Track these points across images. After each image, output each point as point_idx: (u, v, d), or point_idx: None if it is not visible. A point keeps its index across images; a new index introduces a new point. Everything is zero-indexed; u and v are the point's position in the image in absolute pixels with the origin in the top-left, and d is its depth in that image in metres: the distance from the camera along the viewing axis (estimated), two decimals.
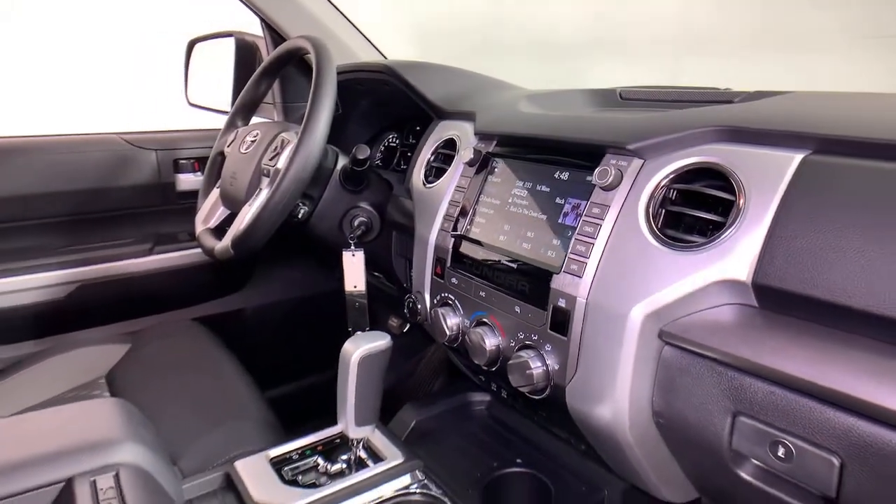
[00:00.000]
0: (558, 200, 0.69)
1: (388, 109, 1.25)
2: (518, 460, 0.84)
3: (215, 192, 1.11)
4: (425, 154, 0.95)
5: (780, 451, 0.51)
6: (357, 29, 1.44)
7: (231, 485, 0.74)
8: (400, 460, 0.77)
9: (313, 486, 0.73)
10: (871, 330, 0.47)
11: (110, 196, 1.35)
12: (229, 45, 1.46)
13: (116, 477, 0.53)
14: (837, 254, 0.48)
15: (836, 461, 0.47)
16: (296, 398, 1.49)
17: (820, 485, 0.49)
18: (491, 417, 0.95)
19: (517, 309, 0.70)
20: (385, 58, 1.51)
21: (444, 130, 0.95)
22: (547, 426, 0.84)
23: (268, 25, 1.37)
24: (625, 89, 0.90)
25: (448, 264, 0.81)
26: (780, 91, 0.75)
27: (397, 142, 1.28)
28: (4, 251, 1.26)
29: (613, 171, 0.62)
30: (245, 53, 1.44)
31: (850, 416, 0.46)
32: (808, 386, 0.47)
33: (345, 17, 1.41)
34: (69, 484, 0.52)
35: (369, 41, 1.47)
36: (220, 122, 1.26)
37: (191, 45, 1.51)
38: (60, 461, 0.54)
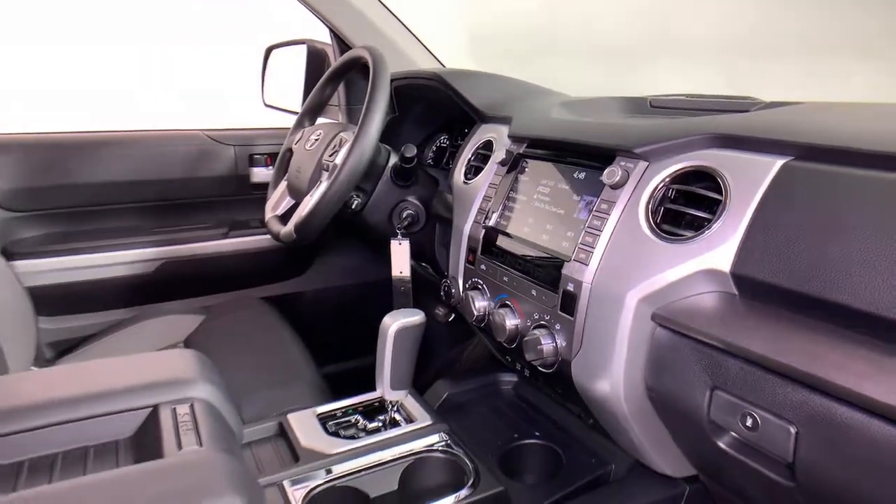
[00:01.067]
0: (575, 197, 0.78)
1: (439, 113, 1.36)
2: (536, 433, 0.92)
3: (283, 184, 1.25)
4: (466, 154, 1.05)
5: (749, 422, 0.57)
6: (416, 38, 1.56)
7: (283, 432, 0.87)
8: (428, 422, 0.87)
9: (352, 438, 0.85)
10: (828, 315, 0.53)
11: (193, 185, 1.52)
12: (301, 51, 1.61)
13: (192, 408, 0.66)
14: (801, 248, 0.54)
15: (792, 430, 0.54)
16: (343, 375, 1.62)
17: (780, 451, 0.55)
18: (516, 396, 1.04)
19: (534, 292, 0.79)
20: (442, 64, 1.62)
21: (483, 133, 1.05)
22: (562, 402, 0.92)
23: (335, 35, 1.50)
24: (654, 98, 0.97)
25: (479, 252, 0.91)
26: (794, 102, 0.81)
27: (447, 142, 1.38)
28: (103, 230, 1.45)
29: (620, 172, 0.70)
30: (315, 59, 1.59)
31: (805, 390, 0.52)
32: (771, 363, 0.54)
33: (405, 27, 1.53)
34: (155, 409, 0.65)
35: (427, 49, 1.58)
36: (289, 121, 1.40)
37: (268, 52, 1.67)
38: (149, 391, 0.67)
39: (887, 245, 0.49)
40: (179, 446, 0.59)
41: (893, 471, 0.48)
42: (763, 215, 0.58)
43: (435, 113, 1.37)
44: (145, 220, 1.50)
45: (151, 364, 0.75)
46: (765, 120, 0.67)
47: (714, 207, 0.62)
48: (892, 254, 0.49)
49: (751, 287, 0.59)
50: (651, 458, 0.78)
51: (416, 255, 1.23)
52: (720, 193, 0.62)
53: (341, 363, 1.63)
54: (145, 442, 0.63)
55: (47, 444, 0.62)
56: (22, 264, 1.31)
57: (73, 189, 1.42)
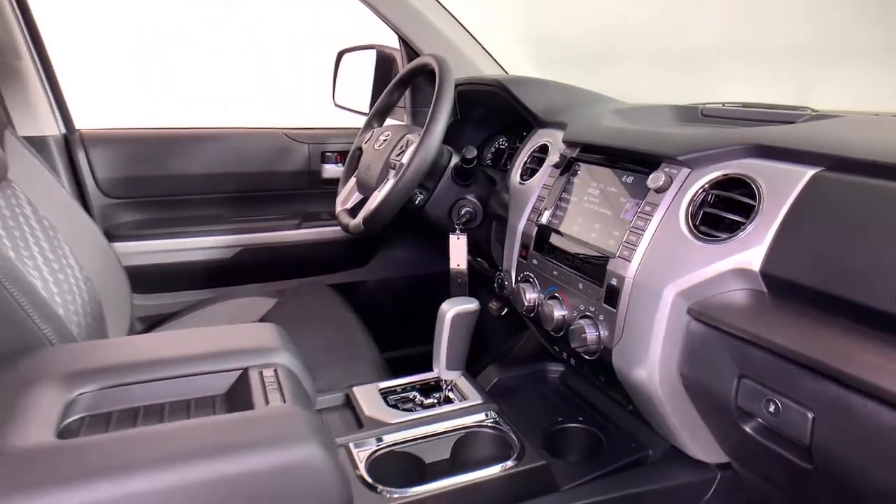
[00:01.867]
0: (622, 199, 0.84)
1: (499, 116, 1.43)
2: (580, 418, 0.99)
3: (353, 180, 1.35)
4: (523, 156, 1.13)
5: (771, 408, 0.63)
6: (480, 45, 1.64)
7: (349, 403, 0.97)
8: (479, 401, 0.95)
9: (409, 411, 0.94)
10: (849, 314, 0.58)
11: (270, 179, 1.66)
12: (371, 56, 1.72)
13: (276, 372, 0.76)
14: (827, 252, 0.59)
15: (810, 415, 0.59)
16: (400, 361, 1.72)
17: (798, 435, 0.61)
18: (563, 384, 1.11)
19: (580, 286, 0.86)
20: (504, 70, 1.69)
21: (540, 137, 1.12)
22: (604, 390, 0.99)
23: (404, 41, 1.60)
24: (706, 107, 1.02)
25: (531, 248, 0.98)
26: (842, 113, 0.85)
27: (506, 144, 1.45)
28: (190, 217, 1.60)
29: (664, 177, 0.76)
30: (384, 64, 1.69)
31: (822, 379, 0.58)
32: (792, 354, 0.60)
33: (470, 34, 1.61)
34: (245, 372, 0.76)
35: (490, 55, 1.66)
36: (356, 121, 1.51)
37: (339, 55, 1.78)
38: (240, 356, 0.78)
39: None
40: (267, 402, 0.70)
41: None
42: (792, 220, 0.63)
43: (495, 116, 1.45)
44: (227, 209, 1.65)
45: (240, 334, 0.87)
46: (802, 132, 0.72)
47: (749, 212, 0.68)
48: None
49: (778, 285, 0.64)
50: (685, 444, 0.84)
51: (472, 250, 1.32)
52: (754, 199, 0.67)
53: (399, 350, 1.73)
54: (237, 398, 0.74)
55: (157, 395, 0.74)
56: (120, 245, 1.46)
57: (165, 179, 1.57)
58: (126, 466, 0.56)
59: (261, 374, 0.76)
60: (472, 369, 1.06)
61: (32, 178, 1.17)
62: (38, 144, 1.35)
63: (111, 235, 1.45)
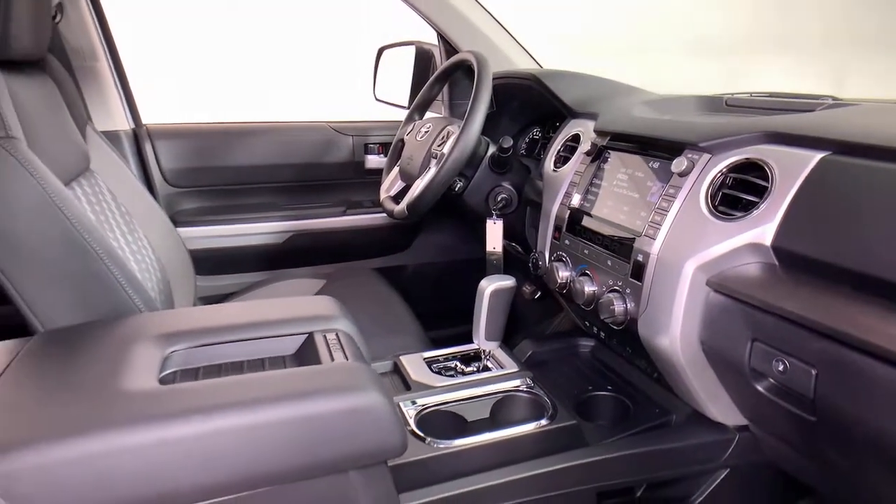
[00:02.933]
0: (648, 183, 0.92)
1: (533, 108, 1.51)
2: (609, 387, 1.07)
3: (396, 170, 1.45)
4: (556, 145, 1.21)
5: (780, 367, 0.71)
6: (515, 40, 1.71)
7: (397, 369, 1.07)
8: (516, 369, 1.05)
9: (451, 377, 1.04)
10: (851, 281, 0.65)
11: (317, 169, 1.77)
12: (410, 51, 1.81)
13: (337, 335, 0.87)
14: (831, 227, 0.66)
15: (813, 372, 0.67)
16: (442, 340, 1.82)
17: (803, 390, 0.68)
18: (593, 357, 1.19)
19: (609, 263, 0.94)
20: (539, 64, 1.76)
21: (573, 127, 1.20)
22: (631, 361, 1.07)
23: (442, 37, 1.69)
24: (730, 97, 1.08)
25: (563, 230, 1.07)
26: (860, 102, 0.91)
27: (540, 134, 1.53)
28: (245, 205, 1.73)
29: (687, 162, 0.84)
30: (422, 59, 1.78)
31: (824, 339, 0.65)
32: (798, 318, 0.67)
33: (506, 30, 1.69)
34: (311, 335, 0.87)
35: (526, 51, 1.73)
36: (398, 114, 1.61)
37: (380, 51, 1.88)
38: (306, 322, 0.89)
39: None
40: (332, 359, 0.80)
41: (892, 403, 0.60)
42: (801, 199, 0.70)
43: (530, 108, 1.53)
44: (278, 197, 1.77)
45: (304, 304, 0.98)
46: (815, 119, 0.79)
47: (762, 193, 0.75)
48: None
49: (787, 258, 0.71)
50: (706, 407, 0.91)
51: (507, 234, 1.41)
52: (768, 181, 0.75)
53: (438, 330, 1.83)
54: (305, 356, 0.84)
55: (236, 354, 0.85)
56: (183, 230, 1.59)
57: (222, 170, 1.70)
58: (218, 406, 0.67)
59: (325, 337, 0.86)
60: (507, 344, 1.16)
61: (110, 168, 1.30)
62: (111, 138, 1.48)
63: (176, 221, 1.58)
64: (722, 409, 0.90)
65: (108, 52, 1.54)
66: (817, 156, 0.71)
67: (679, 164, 0.84)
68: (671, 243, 0.83)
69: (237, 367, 0.83)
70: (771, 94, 1.09)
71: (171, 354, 0.81)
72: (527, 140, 1.58)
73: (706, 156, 0.84)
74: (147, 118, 1.66)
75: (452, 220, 1.86)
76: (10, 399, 0.68)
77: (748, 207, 0.76)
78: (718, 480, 0.95)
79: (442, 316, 1.80)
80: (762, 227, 0.73)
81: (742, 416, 0.90)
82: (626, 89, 1.31)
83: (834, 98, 0.98)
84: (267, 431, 0.67)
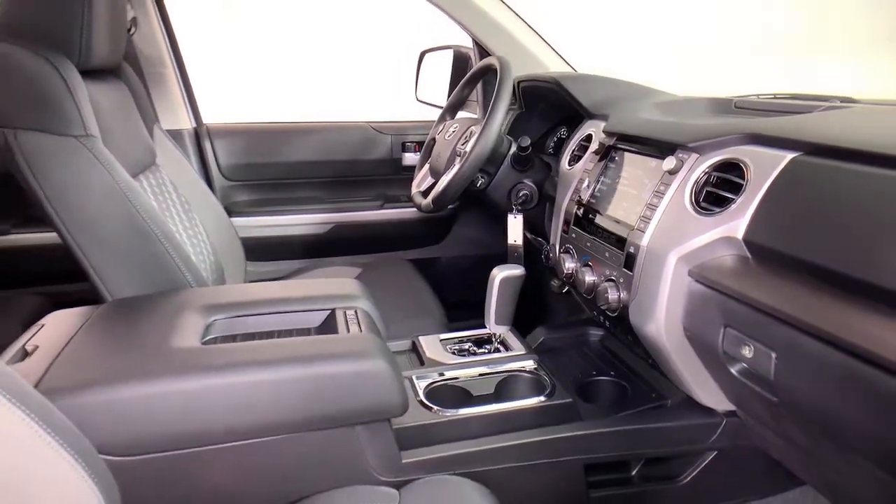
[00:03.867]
0: (645, 181, 0.99)
1: (559, 109, 1.58)
2: (611, 373, 1.15)
3: (426, 166, 1.56)
4: (572, 145, 1.28)
5: (747, 351, 0.77)
6: (549, 45, 1.78)
7: (415, 348, 1.18)
8: (522, 352, 1.13)
9: (463, 356, 1.13)
10: (813, 273, 0.71)
11: (358, 166, 1.91)
12: (449, 55, 1.91)
13: (356, 313, 0.98)
14: (796, 223, 0.72)
15: (773, 355, 0.73)
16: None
17: (765, 372, 0.74)
18: (602, 346, 1.26)
19: (607, 254, 1.01)
20: (572, 67, 1.83)
21: (588, 127, 1.27)
22: (631, 347, 1.13)
23: (476, 42, 1.78)
24: (739, 99, 1.13)
25: (571, 224, 1.14)
26: (850, 104, 0.95)
27: (565, 134, 1.60)
28: (292, 198, 1.88)
29: (676, 161, 0.91)
30: (459, 62, 1.88)
31: (782, 325, 0.71)
32: (762, 305, 0.73)
33: (539, 36, 1.76)
34: (333, 311, 0.98)
35: (558, 54, 1.80)
36: (433, 115, 1.71)
37: (422, 55, 1.99)
38: (330, 300, 1.00)
39: (860, 223, 0.66)
40: (348, 331, 0.91)
41: (841, 385, 0.66)
42: (770, 196, 0.76)
43: (556, 109, 1.60)
44: (322, 192, 1.91)
45: (330, 285, 1.10)
46: (798, 121, 0.84)
47: (739, 190, 0.81)
48: (862, 230, 0.65)
49: (758, 251, 0.77)
50: (695, 392, 0.98)
51: (530, 229, 1.49)
52: (744, 179, 0.81)
53: (468, 320, 1.93)
54: (327, 329, 0.96)
55: (268, 324, 0.97)
56: (237, 220, 1.75)
57: (272, 166, 1.86)
58: (251, 362, 0.79)
59: (345, 313, 0.98)
60: (524, 332, 1.25)
61: (173, 162, 1.46)
62: (175, 136, 1.65)
63: (230, 211, 1.74)
64: (710, 394, 0.96)
65: (175, 60, 1.71)
66: (789, 156, 0.77)
67: (669, 162, 0.91)
68: (658, 236, 0.90)
69: (268, 335, 0.96)
70: (776, 96, 1.14)
71: (213, 322, 0.94)
72: (554, 139, 1.65)
73: (694, 155, 0.90)
74: (207, 118, 1.83)
75: (484, 216, 1.96)
76: (83, 351, 0.82)
77: (726, 203, 0.82)
78: (706, 462, 1.01)
79: (471, 306, 1.90)
80: (735, 222, 0.79)
81: (729, 401, 0.96)
82: (644, 92, 1.36)
83: (841, 100, 1.02)
84: (287, 386, 0.79)
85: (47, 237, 1.63)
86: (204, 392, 0.77)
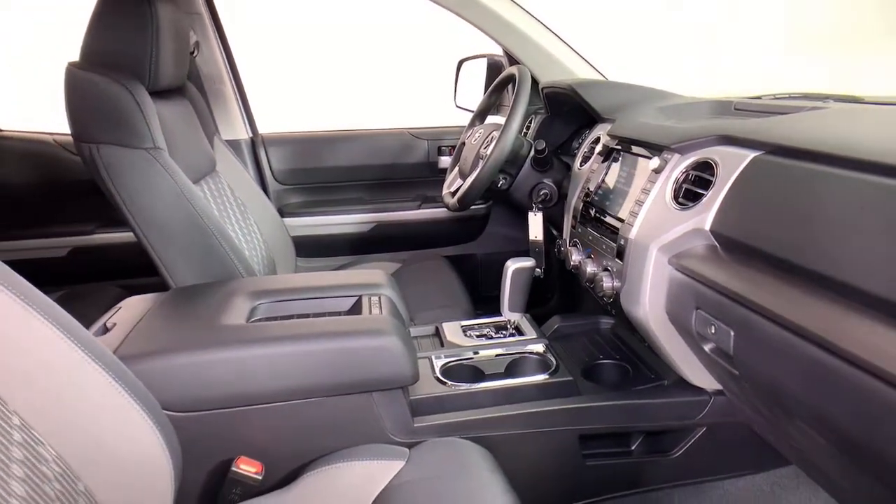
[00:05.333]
0: (637, 180, 1.08)
1: (581, 113, 1.68)
2: (616, 356, 1.24)
3: (456, 169, 1.69)
4: (584, 147, 1.38)
5: (712, 330, 0.86)
6: (577, 53, 1.87)
7: (437, 333, 1.31)
8: (534, 336, 1.25)
9: (480, 340, 1.26)
10: (768, 260, 0.79)
11: (398, 169, 2.06)
12: (483, 63, 2.04)
13: (380, 298, 1.12)
14: (754, 215, 0.81)
15: (731, 332, 0.81)
16: None
17: (726, 347, 0.83)
18: (612, 333, 1.35)
19: (604, 246, 1.11)
20: (601, 74, 1.91)
21: (598, 131, 1.37)
22: (633, 332, 1.22)
23: (506, 52, 1.90)
24: (739, 102, 1.21)
25: (578, 219, 1.25)
26: (835, 104, 1.02)
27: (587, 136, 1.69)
28: (338, 199, 2.05)
29: (660, 161, 1.00)
30: (493, 70, 2.00)
31: (739, 305, 0.80)
32: (724, 289, 0.82)
33: (567, 45, 1.86)
34: (360, 297, 1.13)
35: (587, 61, 1.89)
36: (466, 120, 1.83)
37: (460, 63, 2.12)
38: (358, 288, 1.15)
39: (809, 217, 0.74)
40: (370, 313, 1.06)
41: (786, 359, 0.74)
42: (734, 191, 0.85)
43: (578, 113, 1.70)
44: (365, 193, 2.08)
45: (360, 275, 1.25)
46: (767, 123, 0.92)
47: (709, 186, 0.90)
48: (811, 224, 0.73)
49: (724, 240, 0.86)
50: (685, 372, 1.06)
51: (550, 224, 1.59)
52: (713, 176, 0.90)
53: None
54: (354, 312, 1.11)
55: (304, 309, 1.13)
56: (288, 220, 1.94)
57: (321, 170, 2.04)
58: (286, 337, 0.95)
59: (370, 299, 1.13)
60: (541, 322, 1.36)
61: (231, 169, 1.65)
62: (233, 145, 1.85)
63: (282, 212, 1.93)
64: (697, 374, 1.05)
65: (232, 77, 1.91)
66: (751, 155, 0.86)
67: (654, 162, 1.01)
68: (643, 229, 1.00)
69: (303, 317, 1.11)
70: (776, 97, 1.20)
71: (257, 305, 1.10)
72: (578, 141, 1.75)
73: (676, 155, 0.99)
74: (262, 128, 2.02)
75: (517, 215, 2.07)
76: (151, 327, 1.00)
77: (698, 198, 0.91)
78: (696, 437, 1.09)
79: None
80: (704, 215, 0.88)
81: (716, 381, 1.04)
82: (653, 96, 1.44)
83: (835, 100, 1.08)
84: (316, 357, 0.94)
85: (124, 237, 1.87)
86: (247, 361, 0.93)
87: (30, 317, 0.63)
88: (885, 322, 0.60)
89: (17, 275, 0.65)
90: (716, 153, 0.92)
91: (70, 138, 1.59)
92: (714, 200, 0.87)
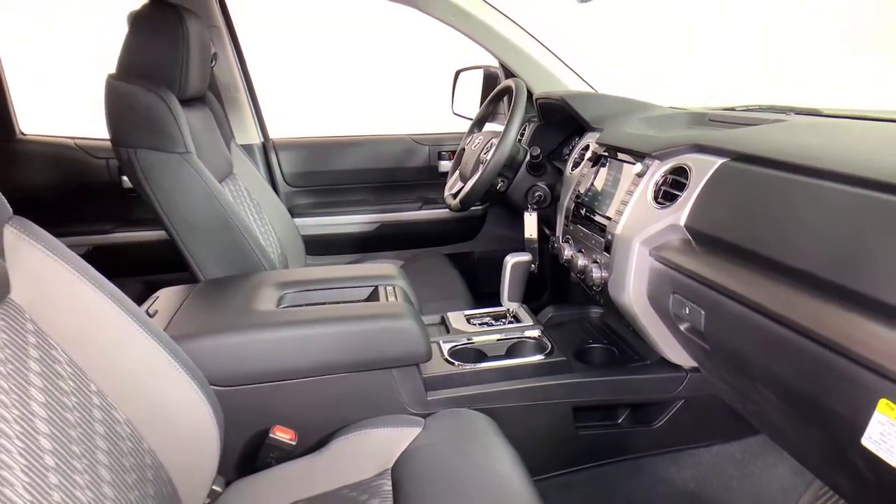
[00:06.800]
0: (623, 183, 1.22)
1: (572, 121, 1.82)
2: (605, 341, 1.38)
3: (457, 173, 1.82)
4: (574, 153, 1.53)
5: (686, 310, 1.00)
6: (569, 67, 2.02)
7: (443, 321, 1.44)
8: (530, 323, 1.38)
9: (482, 327, 1.39)
10: (734, 250, 0.93)
11: (400, 172, 2.20)
12: (479, 73, 2.18)
13: (394, 288, 1.26)
14: (722, 212, 0.95)
15: (702, 311, 0.95)
16: None
17: (698, 325, 0.97)
18: (601, 321, 1.50)
19: (593, 241, 1.25)
20: (591, 87, 2.05)
21: (587, 138, 1.51)
22: (620, 319, 1.36)
23: (502, 64, 2.04)
24: (713, 113, 1.35)
25: (569, 218, 1.39)
26: (798, 116, 1.17)
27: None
28: (345, 201, 2.19)
29: (642, 166, 1.14)
30: (489, 80, 2.14)
31: (708, 289, 0.94)
32: (696, 275, 0.96)
33: (560, 59, 2.00)
34: (376, 287, 1.26)
35: (578, 75, 2.03)
36: (465, 127, 1.97)
37: (457, 74, 2.26)
38: (374, 279, 1.28)
39: (764, 213, 0.88)
40: (387, 300, 1.19)
41: (749, 333, 0.88)
42: (704, 192, 0.99)
43: (569, 121, 1.84)
44: (369, 195, 2.21)
45: (375, 268, 1.38)
46: (734, 134, 1.06)
47: (683, 188, 1.04)
48: (767, 218, 0.87)
49: (696, 234, 1.00)
50: (664, 352, 1.20)
51: (546, 224, 1.73)
52: (687, 179, 1.04)
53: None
54: (371, 300, 1.24)
55: (327, 297, 1.26)
56: (298, 220, 2.06)
57: (328, 173, 2.17)
58: (315, 320, 1.08)
59: (385, 288, 1.26)
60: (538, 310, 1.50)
61: (246, 172, 1.77)
62: (247, 149, 1.98)
63: (292, 213, 2.06)
64: (675, 353, 1.19)
65: (246, 85, 2.04)
66: (719, 161, 1.00)
67: (637, 167, 1.15)
68: (628, 225, 1.14)
69: (328, 303, 1.24)
70: (748, 108, 1.35)
71: (284, 294, 1.23)
72: (569, 147, 1.89)
73: (657, 162, 1.13)
74: (273, 133, 2.15)
75: (513, 215, 2.21)
76: (191, 313, 1.12)
77: (675, 199, 1.05)
78: (675, 409, 1.23)
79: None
80: (679, 212, 1.02)
81: (691, 359, 1.18)
82: (637, 107, 1.59)
83: (808, 111, 1.23)
84: (340, 338, 1.07)
85: (142, 235, 1.99)
86: (279, 341, 1.05)
87: (103, 302, 0.75)
88: (821, 297, 0.74)
89: (91, 267, 0.77)
90: (689, 160, 1.06)
91: (90, 142, 1.71)
92: (688, 200, 1.01)
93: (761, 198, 0.89)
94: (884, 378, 0.65)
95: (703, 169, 1.02)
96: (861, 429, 0.68)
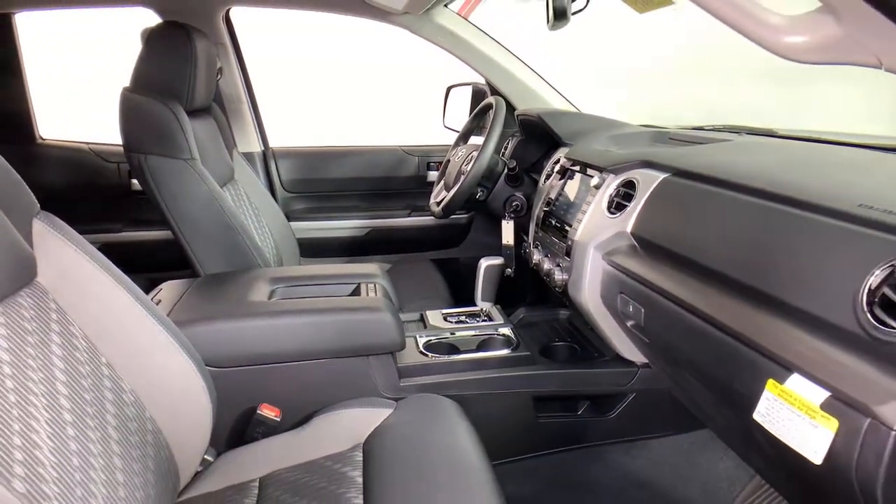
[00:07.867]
0: (584, 193, 1.35)
1: (549, 137, 1.96)
2: (569, 339, 1.50)
3: (442, 182, 1.95)
4: (547, 167, 1.66)
5: (631, 308, 1.12)
6: (550, 85, 2.16)
7: (422, 318, 1.57)
8: (501, 321, 1.51)
9: (457, 324, 1.52)
10: (669, 254, 1.06)
11: (390, 181, 2.33)
12: (468, 90, 2.31)
13: (375, 286, 1.38)
14: (662, 222, 1.08)
15: (642, 309, 1.08)
16: None
17: (639, 321, 1.09)
18: (568, 322, 1.62)
19: (556, 247, 1.38)
20: (572, 104, 2.19)
21: (559, 153, 1.64)
22: (584, 320, 1.49)
23: (488, 82, 2.18)
24: (673, 133, 1.48)
25: (539, 226, 1.52)
26: (770, 133, 1.30)
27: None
28: (338, 207, 2.32)
29: (599, 179, 1.27)
30: (477, 96, 2.28)
31: (649, 290, 1.06)
32: (637, 276, 1.09)
33: (542, 78, 2.14)
34: (359, 284, 1.39)
35: (560, 93, 2.17)
36: (452, 139, 2.10)
37: (448, 89, 2.39)
38: (357, 277, 1.41)
39: (696, 222, 1.01)
40: (367, 295, 1.32)
41: (679, 328, 1.00)
42: (648, 204, 1.12)
43: (548, 136, 1.97)
44: (361, 202, 2.34)
45: (359, 267, 1.51)
46: (680, 151, 1.19)
47: (631, 199, 1.17)
48: (698, 227, 1.00)
49: (641, 241, 1.13)
50: (617, 347, 1.32)
51: (524, 232, 1.86)
52: (635, 191, 1.17)
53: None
54: (354, 295, 1.37)
55: (313, 292, 1.39)
56: (294, 224, 2.19)
57: (323, 181, 2.30)
58: (302, 311, 1.20)
59: (367, 285, 1.39)
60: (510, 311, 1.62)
61: (247, 178, 1.91)
62: (248, 157, 2.12)
63: (289, 216, 2.19)
64: (627, 349, 1.31)
65: (248, 97, 2.18)
66: (661, 176, 1.13)
67: (594, 180, 1.28)
68: (585, 231, 1.26)
69: (316, 296, 1.37)
70: (703, 128, 1.48)
71: (275, 288, 1.36)
72: (548, 161, 2.02)
73: (612, 175, 1.26)
74: (272, 142, 2.29)
75: (496, 224, 2.33)
76: (192, 302, 1.25)
77: (624, 209, 1.18)
78: (627, 401, 1.35)
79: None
80: (627, 221, 1.15)
81: (641, 355, 1.31)
82: (609, 125, 1.72)
83: (762, 132, 1.36)
84: (324, 327, 1.19)
85: (149, 235, 2.12)
86: (269, 329, 1.18)
87: (116, 289, 0.87)
88: (732, 294, 0.87)
89: (107, 259, 0.89)
90: (638, 174, 1.19)
91: (103, 147, 1.84)
92: (634, 210, 1.14)
93: (691, 208, 1.02)
94: (771, 360, 0.77)
95: (647, 182, 1.15)
96: (755, 406, 0.80)
